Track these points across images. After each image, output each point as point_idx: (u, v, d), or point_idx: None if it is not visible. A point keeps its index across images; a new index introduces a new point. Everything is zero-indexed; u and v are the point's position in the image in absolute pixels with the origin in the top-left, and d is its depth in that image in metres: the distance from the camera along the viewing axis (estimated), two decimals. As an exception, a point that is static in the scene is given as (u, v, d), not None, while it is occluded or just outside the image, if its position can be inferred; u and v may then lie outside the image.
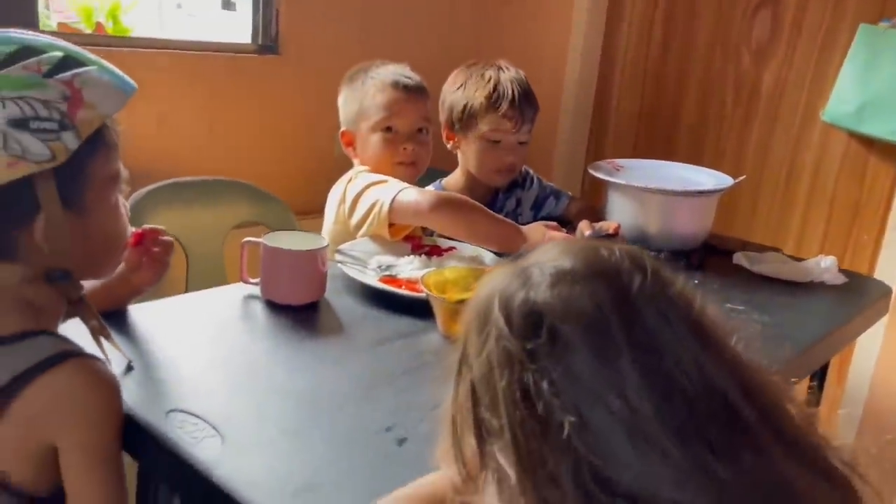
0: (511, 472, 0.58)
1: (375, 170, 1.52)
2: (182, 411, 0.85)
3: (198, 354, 1.01)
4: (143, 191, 1.58)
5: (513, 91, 1.63)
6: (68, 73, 0.79)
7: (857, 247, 2.12)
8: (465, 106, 1.64)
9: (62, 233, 0.81)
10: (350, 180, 1.52)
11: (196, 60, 1.90)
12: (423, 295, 1.21)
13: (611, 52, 2.57)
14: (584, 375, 0.57)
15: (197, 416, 0.84)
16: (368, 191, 1.45)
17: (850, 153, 2.12)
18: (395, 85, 1.55)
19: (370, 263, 1.37)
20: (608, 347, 0.58)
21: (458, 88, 1.67)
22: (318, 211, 2.09)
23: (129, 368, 0.93)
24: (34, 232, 0.80)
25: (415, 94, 1.56)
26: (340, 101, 1.64)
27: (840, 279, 1.53)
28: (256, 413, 0.88)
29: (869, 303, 1.52)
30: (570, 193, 1.87)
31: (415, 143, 1.55)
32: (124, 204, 0.91)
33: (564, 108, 2.61)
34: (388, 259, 1.39)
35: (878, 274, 1.95)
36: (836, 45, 2.10)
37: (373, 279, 1.29)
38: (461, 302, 1.18)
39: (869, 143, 2.08)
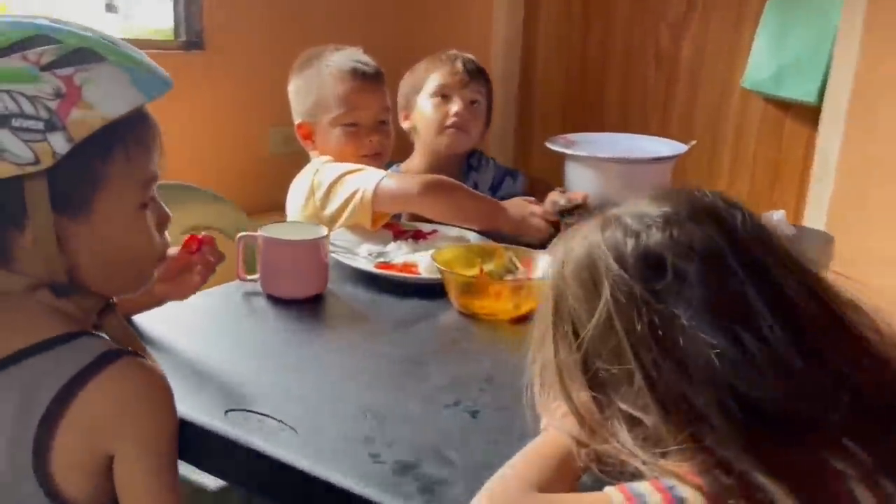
0: (649, 416, 0.60)
1: (341, 161, 1.50)
2: (241, 410, 0.81)
3: (224, 355, 0.96)
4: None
5: (461, 56, 1.65)
6: (70, 68, 0.71)
7: (780, 204, 2.27)
8: (421, 79, 1.65)
9: (51, 245, 0.73)
10: (317, 171, 1.48)
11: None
12: (430, 277, 1.21)
13: (533, 33, 2.62)
14: (716, 308, 0.59)
15: (258, 413, 0.81)
16: (344, 179, 1.41)
17: (767, 116, 2.27)
18: (354, 74, 1.52)
19: (359, 252, 1.34)
20: (731, 280, 0.60)
21: (410, 75, 1.68)
22: (261, 210, 2.03)
23: None
24: (26, 237, 0.73)
25: (374, 83, 1.54)
26: (292, 91, 1.59)
27: (791, 230, 1.64)
28: (316, 403, 0.85)
29: (819, 251, 1.63)
30: (522, 173, 1.90)
31: (379, 135, 1.54)
32: (160, 212, 0.83)
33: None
34: (376, 247, 1.37)
35: (807, 225, 2.09)
36: (749, 15, 2.23)
37: (370, 267, 1.27)
38: (478, 276, 1.18)
39: (784, 106, 2.22)
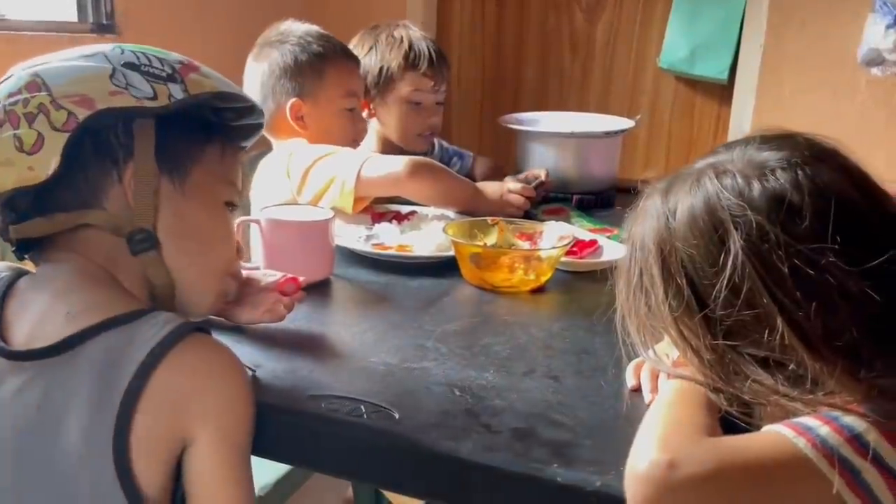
0: (792, 356, 0.61)
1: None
2: (325, 395, 0.76)
3: (265, 345, 0.89)
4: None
5: (428, 49, 1.61)
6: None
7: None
8: (381, 69, 1.59)
9: (148, 189, 0.75)
10: (290, 155, 1.41)
11: (30, 42, 1.64)
12: (438, 255, 1.18)
13: (447, 23, 2.62)
14: (856, 244, 0.61)
15: (342, 397, 0.76)
16: (318, 164, 1.35)
17: (679, 94, 2.39)
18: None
19: (349, 236, 1.29)
20: (861, 216, 0.63)
21: (369, 52, 1.62)
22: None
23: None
24: (124, 179, 0.75)
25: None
26: (286, 66, 1.44)
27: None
28: (391, 381, 0.81)
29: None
30: (471, 153, 1.89)
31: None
32: (233, 229, 0.86)
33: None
34: (362, 230, 1.32)
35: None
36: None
37: (368, 249, 1.22)
38: (492, 247, 1.17)
39: (694, 84, 2.36)
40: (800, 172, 0.64)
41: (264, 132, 1.51)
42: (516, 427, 0.72)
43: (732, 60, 2.21)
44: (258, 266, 1.09)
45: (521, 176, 1.60)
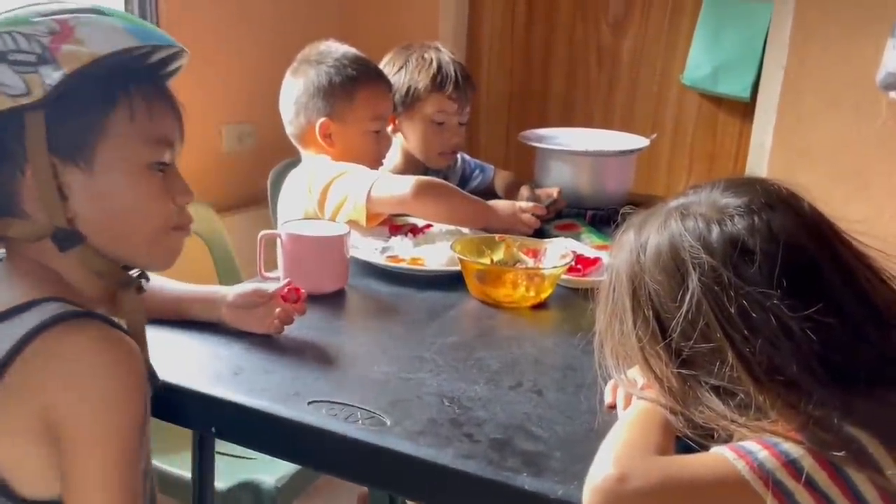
0: (742, 386, 0.68)
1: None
2: (324, 401, 0.84)
3: (273, 351, 0.98)
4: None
5: (455, 73, 1.69)
6: (69, 14, 0.74)
7: (715, 192, 2.44)
8: (408, 89, 1.67)
9: (49, 186, 0.73)
10: (312, 172, 1.49)
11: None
12: (447, 269, 1.26)
13: (477, 35, 2.69)
14: (800, 288, 0.68)
15: (340, 403, 0.84)
16: (334, 184, 1.43)
17: (703, 111, 2.43)
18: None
19: (364, 249, 1.37)
20: (810, 262, 0.69)
21: (399, 71, 1.70)
22: (220, 210, 2.01)
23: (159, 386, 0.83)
24: (27, 177, 0.73)
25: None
26: (316, 85, 1.51)
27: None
28: (386, 390, 0.89)
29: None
30: (493, 166, 1.96)
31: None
32: (179, 184, 0.81)
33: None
34: (378, 243, 1.40)
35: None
36: (684, 16, 2.38)
37: (386, 262, 1.30)
38: (497, 263, 1.25)
39: (718, 101, 2.39)
40: (755, 218, 0.71)
41: (295, 143, 1.61)
42: (495, 437, 0.79)
43: (755, 79, 2.24)
44: (279, 276, 1.18)
45: (536, 193, 1.67)
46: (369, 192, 1.38)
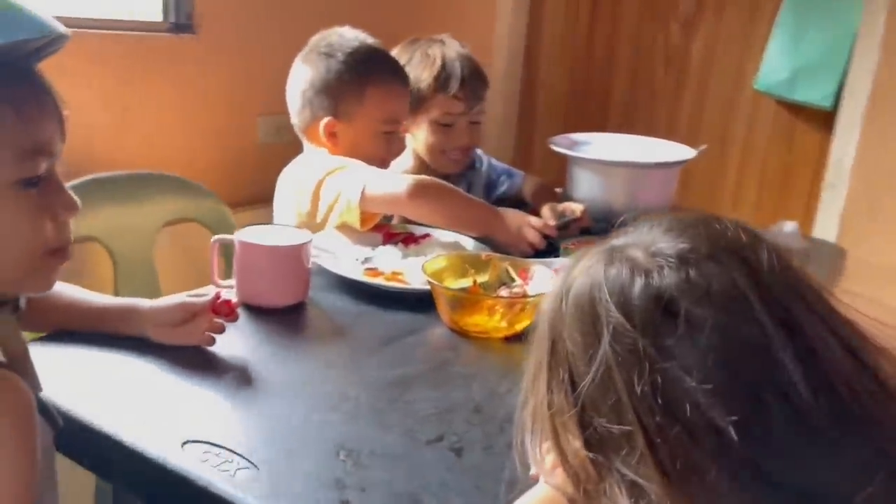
0: (653, 485, 0.52)
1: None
2: (200, 442, 0.73)
3: (186, 373, 0.87)
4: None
5: (461, 69, 1.55)
6: None
7: (789, 211, 2.19)
8: (412, 89, 1.55)
9: None
10: (306, 167, 1.39)
11: (102, 41, 1.71)
12: (419, 288, 1.13)
13: (537, 29, 2.53)
14: (734, 366, 0.51)
15: (218, 446, 0.73)
16: (328, 179, 1.33)
17: (779, 120, 2.18)
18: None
19: (345, 257, 1.26)
20: (754, 332, 0.52)
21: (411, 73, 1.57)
22: (247, 203, 1.95)
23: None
24: None
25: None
26: (319, 81, 1.42)
27: (802, 244, 1.56)
28: (283, 433, 0.77)
29: (830, 265, 1.55)
30: (522, 172, 1.81)
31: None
32: (59, 198, 0.69)
33: (492, 88, 2.55)
34: (362, 251, 1.28)
35: (817, 235, 2.01)
36: (763, 14, 2.14)
37: (357, 274, 1.19)
38: (465, 290, 1.10)
39: (796, 109, 2.14)
40: (690, 272, 0.54)
41: (299, 135, 1.52)
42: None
43: (839, 86, 1.98)
44: (232, 285, 1.08)
45: (560, 208, 1.51)
46: (363, 189, 1.27)
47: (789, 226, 1.56)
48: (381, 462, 0.73)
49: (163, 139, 1.84)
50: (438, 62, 1.53)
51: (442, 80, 1.52)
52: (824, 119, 2.07)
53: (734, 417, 0.49)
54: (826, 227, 2.02)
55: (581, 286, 0.59)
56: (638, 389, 0.52)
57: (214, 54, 2.01)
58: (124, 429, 0.75)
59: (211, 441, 0.73)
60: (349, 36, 1.47)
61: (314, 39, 1.48)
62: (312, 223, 1.34)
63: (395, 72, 1.47)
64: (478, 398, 0.87)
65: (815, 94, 2.03)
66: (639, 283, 0.55)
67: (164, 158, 1.79)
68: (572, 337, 0.58)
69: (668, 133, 2.19)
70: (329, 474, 0.70)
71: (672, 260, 0.54)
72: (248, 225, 1.20)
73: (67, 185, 0.71)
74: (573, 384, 0.57)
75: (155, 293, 1.53)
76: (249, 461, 0.71)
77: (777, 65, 2.08)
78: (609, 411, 0.54)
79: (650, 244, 0.57)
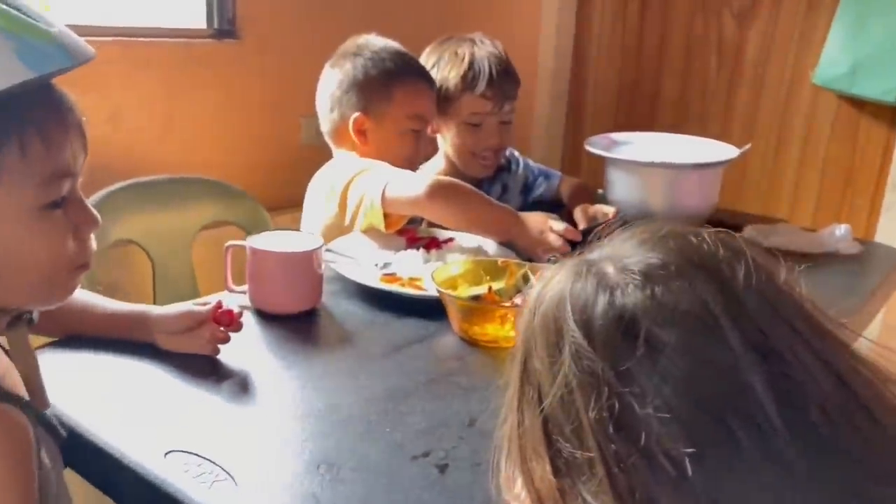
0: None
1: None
2: (183, 451, 0.73)
3: (187, 380, 0.88)
4: (99, 194, 1.43)
5: (490, 68, 1.51)
6: None
7: (851, 212, 2.07)
8: (440, 88, 1.52)
9: None
10: (335, 169, 1.39)
11: (147, 48, 1.75)
12: (433, 294, 1.10)
13: (586, 25, 2.47)
14: (699, 395, 0.47)
15: (201, 457, 0.72)
16: (354, 181, 1.32)
17: (840, 116, 2.06)
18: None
19: (365, 261, 1.25)
20: (724, 357, 0.47)
21: (431, 69, 1.55)
22: (289, 206, 1.96)
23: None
24: None
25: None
26: (349, 79, 1.43)
27: (855, 248, 1.46)
28: (268, 445, 0.76)
29: (886, 271, 1.45)
30: (560, 173, 1.76)
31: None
32: (82, 215, 0.68)
33: (540, 85, 2.51)
34: (384, 255, 1.27)
35: (878, 239, 1.90)
36: (822, 4, 2.03)
37: (373, 279, 1.17)
38: (477, 298, 1.07)
39: (860, 105, 2.02)
40: (657, 290, 0.49)
41: (328, 141, 1.52)
42: (341, 527, 0.64)
43: (904, 79, 1.86)
44: (246, 290, 1.09)
45: (591, 212, 1.46)
46: (384, 190, 1.25)
47: (841, 229, 1.47)
48: (360, 477, 0.71)
49: (205, 143, 1.87)
50: (466, 61, 1.51)
51: (469, 78, 1.50)
52: (891, 115, 1.95)
53: (691, 449, 0.45)
54: (890, 230, 1.90)
55: (550, 301, 0.55)
56: (595, 415, 0.48)
57: (257, 57, 2.03)
58: (111, 436, 0.75)
59: (194, 451, 0.73)
60: (375, 39, 1.47)
61: (343, 46, 1.49)
62: (341, 225, 1.34)
63: (420, 72, 1.46)
64: (474, 411, 0.84)
65: (876, 89, 1.91)
66: (602, 301, 0.51)
67: (205, 162, 1.82)
68: (539, 354, 0.54)
69: (722, 132, 2.11)
70: (305, 489, 0.69)
71: (637, 277, 0.50)
72: (287, 228, 1.20)
73: (108, 189, 0.70)
74: (541, 401, 0.54)
75: (193, 296, 1.55)
76: (228, 473, 0.70)
77: (837, 58, 1.96)
78: (571, 435, 0.50)
79: (619, 259, 0.53)
